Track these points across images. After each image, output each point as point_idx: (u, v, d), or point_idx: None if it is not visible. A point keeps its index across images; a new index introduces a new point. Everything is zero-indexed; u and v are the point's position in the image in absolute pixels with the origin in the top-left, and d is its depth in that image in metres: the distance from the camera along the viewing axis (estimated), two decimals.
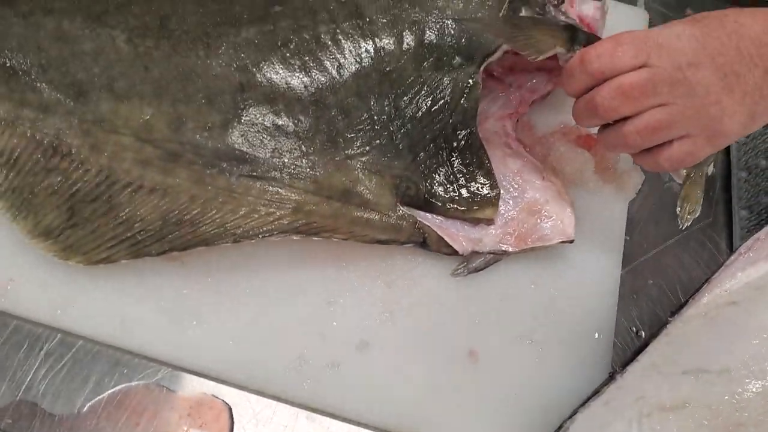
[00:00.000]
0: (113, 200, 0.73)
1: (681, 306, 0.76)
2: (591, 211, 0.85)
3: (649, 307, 0.84)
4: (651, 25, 1.07)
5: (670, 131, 0.66)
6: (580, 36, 0.73)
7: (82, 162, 0.74)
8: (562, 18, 0.78)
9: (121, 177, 0.74)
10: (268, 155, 0.73)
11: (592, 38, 0.73)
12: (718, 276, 0.77)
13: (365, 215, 0.75)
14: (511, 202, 0.79)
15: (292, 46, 0.75)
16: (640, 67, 0.65)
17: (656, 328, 0.82)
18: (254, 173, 0.73)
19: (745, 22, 0.66)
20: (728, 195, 0.93)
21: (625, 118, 0.67)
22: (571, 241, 0.79)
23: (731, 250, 0.89)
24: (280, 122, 0.74)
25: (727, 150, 0.95)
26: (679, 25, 0.67)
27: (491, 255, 0.78)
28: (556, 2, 0.79)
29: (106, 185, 0.74)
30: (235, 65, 0.74)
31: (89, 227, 0.73)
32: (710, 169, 0.75)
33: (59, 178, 0.74)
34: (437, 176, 0.76)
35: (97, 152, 0.74)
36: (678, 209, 0.76)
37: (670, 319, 0.75)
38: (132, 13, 0.76)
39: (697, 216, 0.76)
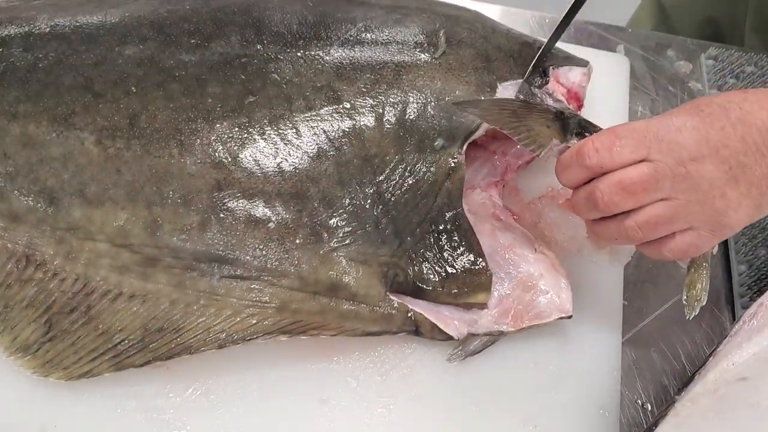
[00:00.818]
0: (92, 310, 0.70)
1: (688, 381, 0.73)
2: (587, 279, 0.82)
3: (653, 377, 0.81)
4: (633, 71, 1.05)
5: (672, 225, 0.65)
6: (571, 124, 0.70)
7: (57, 271, 0.71)
8: (549, 100, 0.75)
9: (98, 285, 0.71)
10: (249, 254, 0.70)
11: (583, 124, 0.70)
12: (723, 347, 0.74)
13: (354, 308, 0.72)
14: (504, 278, 0.77)
15: (269, 138, 0.73)
16: (640, 161, 0.63)
17: (662, 398, 0.79)
18: (236, 274, 0.70)
19: (750, 109, 0.64)
20: (725, 248, 0.90)
21: (626, 212, 0.65)
22: (570, 317, 0.76)
23: (732, 307, 0.86)
24: (261, 219, 0.71)
25: None
26: (680, 115, 0.65)
27: (487, 336, 0.75)
28: (539, 83, 0.76)
29: (83, 294, 0.70)
30: (210, 162, 0.72)
31: (68, 340, 0.70)
32: (714, 249, 0.72)
33: (34, 290, 0.71)
34: (426, 261, 0.73)
35: (72, 260, 0.71)
36: (684, 298, 0.73)
37: (677, 397, 0.72)
38: (100, 113, 0.73)
39: (704, 304, 0.73)
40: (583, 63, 0.83)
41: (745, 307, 0.85)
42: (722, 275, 0.88)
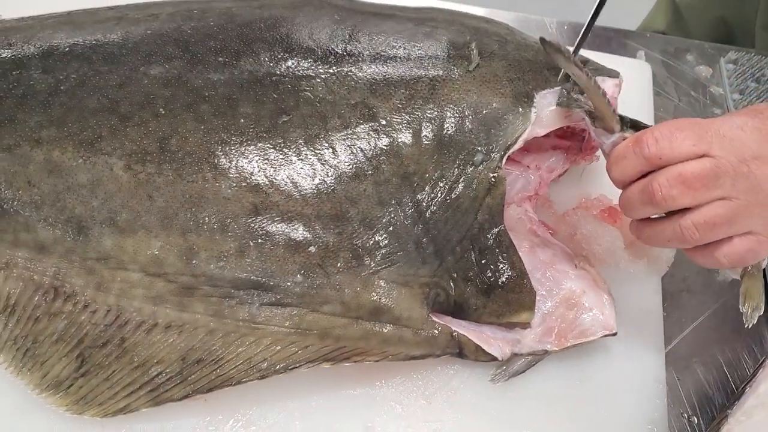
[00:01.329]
0: (126, 342, 0.67)
1: (739, 395, 0.71)
2: (626, 292, 0.80)
3: (697, 388, 0.79)
4: (654, 77, 1.03)
5: (731, 227, 0.62)
6: (625, 118, 0.68)
7: (88, 303, 0.67)
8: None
9: (132, 316, 0.67)
10: (289, 280, 0.67)
11: (635, 122, 0.68)
12: None
13: (398, 332, 0.69)
14: (546, 296, 0.74)
15: (305, 158, 0.69)
16: (701, 156, 0.60)
17: (707, 410, 0.77)
18: (276, 301, 0.67)
19: None
20: None
21: (681, 211, 0.62)
22: (614, 334, 0.73)
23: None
24: (301, 243, 0.68)
25: None
26: (739, 116, 0.63)
27: (531, 356, 0.73)
28: (579, 92, 0.74)
29: (116, 326, 0.67)
30: (246, 185, 0.68)
31: (102, 375, 0.67)
32: (765, 261, 0.70)
33: (64, 323, 0.67)
34: (467, 280, 0.71)
35: (103, 291, 0.67)
36: (741, 307, 0.70)
37: (728, 411, 0.70)
38: (128, 137, 0.69)
39: (762, 312, 0.70)
40: (614, 74, 0.81)
41: None
42: None
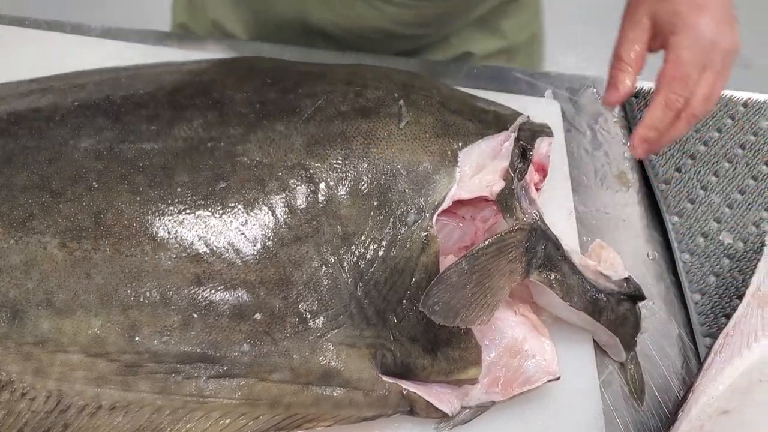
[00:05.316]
0: (69, 428, 0.60)
1: (672, 420, 0.70)
2: (557, 328, 0.77)
3: (632, 415, 0.77)
4: (564, 114, 1.02)
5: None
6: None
7: (26, 390, 0.60)
8: (524, 202, 0.72)
9: (74, 400, 0.60)
10: (236, 350, 0.62)
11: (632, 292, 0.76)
12: (700, 382, 0.71)
13: (348, 395, 0.64)
14: (490, 346, 0.70)
15: (246, 224, 0.64)
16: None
17: None
18: (223, 372, 0.62)
19: None
20: (677, 278, 0.88)
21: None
22: (558, 378, 0.71)
23: (693, 338, 0.83)
24: (246, 311, 0.63)
25: (665, 231, 0.91)
26: None
27: (478, 407, 0.70)
28: (521, 170, 0.72)
29: (58, 412, 0.60)
30: (186, 256, 0.63)
31: None
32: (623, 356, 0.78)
33: (1, 413, 0.60)
34: (412, 340, 0.66)
35: (42, 377, 0.60)
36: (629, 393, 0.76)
37: None
38: (61, 214, 0.62)
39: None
40: (550, 133, 0.78)
41: (705, 335, 0.83)
42: (679, 305, 0.85)
